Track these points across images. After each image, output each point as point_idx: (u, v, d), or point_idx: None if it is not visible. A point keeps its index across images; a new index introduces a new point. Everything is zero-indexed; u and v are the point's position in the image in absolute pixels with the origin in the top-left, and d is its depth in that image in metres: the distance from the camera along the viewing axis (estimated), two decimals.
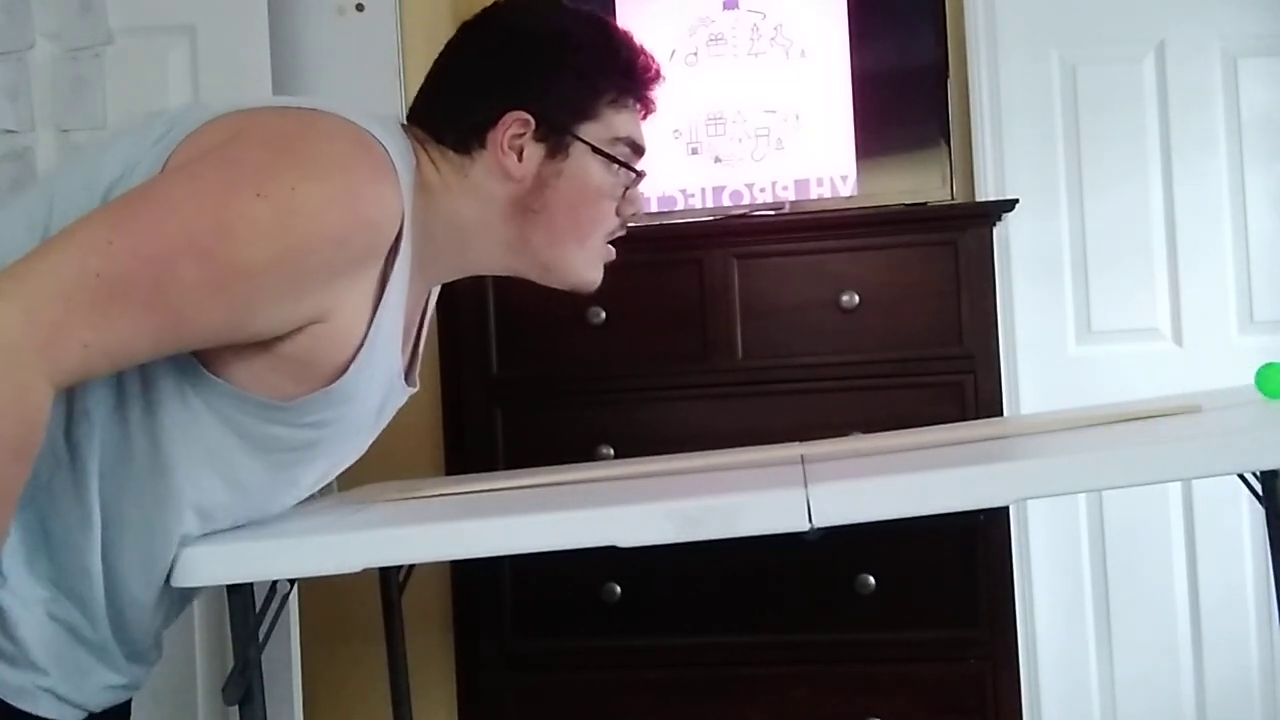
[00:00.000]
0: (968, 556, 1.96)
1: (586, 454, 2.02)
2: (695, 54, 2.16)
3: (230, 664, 1.12)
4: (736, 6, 2.15)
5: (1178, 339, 2.31)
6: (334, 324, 0.99)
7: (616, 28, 1.21)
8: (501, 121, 1.11)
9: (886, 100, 2.10)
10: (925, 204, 2.06)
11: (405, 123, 1.15)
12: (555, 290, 1.21)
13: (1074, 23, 2.34)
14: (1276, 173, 2.30)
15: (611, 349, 2.03)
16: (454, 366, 2.11)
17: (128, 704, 1.18)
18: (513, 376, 2.05)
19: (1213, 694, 2.28)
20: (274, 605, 1.09)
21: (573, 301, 2.03)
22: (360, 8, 2.14)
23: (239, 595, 1.06)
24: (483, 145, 1.12)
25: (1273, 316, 2.29)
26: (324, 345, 1.00)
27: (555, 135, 1.12)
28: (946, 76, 2.08)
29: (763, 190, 2.13)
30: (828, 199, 2.11)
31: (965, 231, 1.98)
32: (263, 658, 1.09)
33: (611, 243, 1.22)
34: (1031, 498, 2.06)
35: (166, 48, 1.96)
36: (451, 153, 1.12)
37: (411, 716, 1.73)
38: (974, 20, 2.34)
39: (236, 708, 1.06)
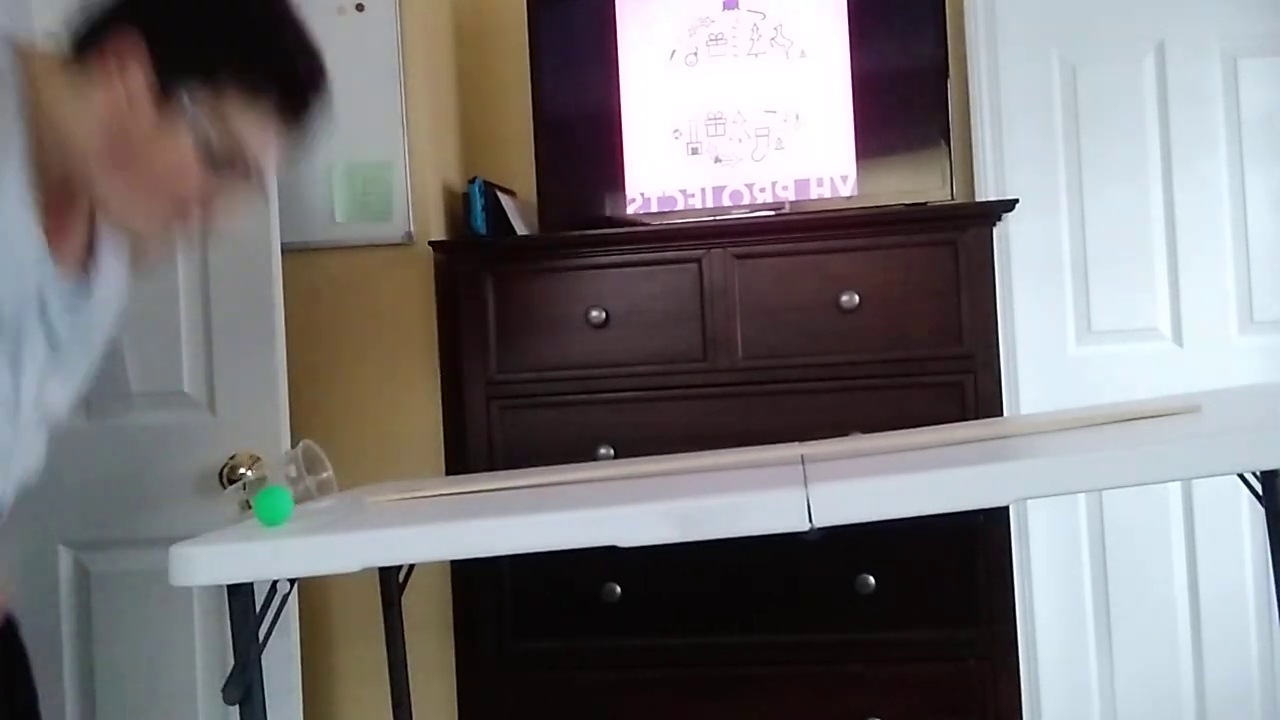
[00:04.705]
0: (968, 556, 1.96)
1: (586, 454, 2.02)
2: (695, 54, 2.16)
3: (230, 664, 1.12)
4: (736, 6, 2.15)
5: (1178, 339, 2.31)
6: None
7: (294, 15, 1.10)
8: (112, 37, 1.03)
9: (886, 100, 2.10)
10: (925, 204, 2.06)
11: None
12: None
13: (1074, 23, 2.34)
14: (1276, 173, 2.30)
15: (611, 349, 2.02)
16: (454, 366, 2.11)
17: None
18: (513, 377, 2.05)
19: (1213, 694, 2.28)
20: (274, 605, 1.09)
21: (573, 301, 2.03)
22: (360, 8, 2.14)
23: (239, 595, 1.07)
24: (92, 59, 1.04)
25: (1273, 316, 2.29)
26: None
27: (163, 76, 1.04)
28: (946, 76, 2.08)
29: (763, 190, 2.13)
30: (828, 199, 2.11)
31: (965, 231, 1.98)
32: (263, 658, 1.09)
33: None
34: (1031, 498, 2.06)
35: None
36: (72, 62, 1.05)
37: (411, 716, 1.73)
38: (974, 20, 2.35)
39: (236, 708, 1.06)
